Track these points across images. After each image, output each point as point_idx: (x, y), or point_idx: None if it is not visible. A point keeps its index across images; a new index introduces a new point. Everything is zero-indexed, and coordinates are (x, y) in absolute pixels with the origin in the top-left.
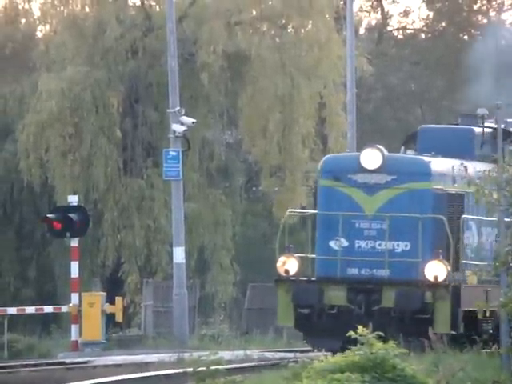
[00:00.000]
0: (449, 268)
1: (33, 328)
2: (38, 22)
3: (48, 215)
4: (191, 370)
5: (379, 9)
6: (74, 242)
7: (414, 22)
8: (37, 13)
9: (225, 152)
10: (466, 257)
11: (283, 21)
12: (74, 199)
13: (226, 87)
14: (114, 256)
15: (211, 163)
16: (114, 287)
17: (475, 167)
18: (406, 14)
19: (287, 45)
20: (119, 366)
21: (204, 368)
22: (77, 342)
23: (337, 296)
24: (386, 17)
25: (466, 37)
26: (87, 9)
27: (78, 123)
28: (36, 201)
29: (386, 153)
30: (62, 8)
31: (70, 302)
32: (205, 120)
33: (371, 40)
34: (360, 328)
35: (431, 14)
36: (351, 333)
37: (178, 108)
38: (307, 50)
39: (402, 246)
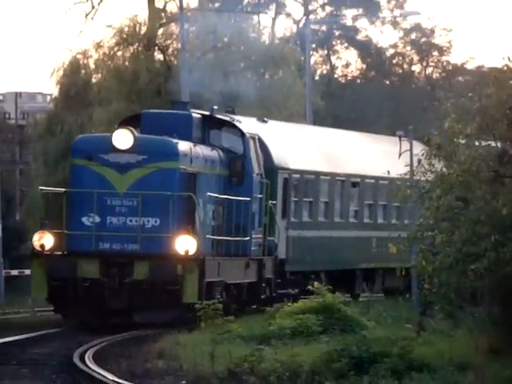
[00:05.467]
0: (198, 242)
1: None
2: (92, 72)
3: None
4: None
5: (328, 62)
6: None
7: (352, 71)
8: (92, 66)
9: None
10: (203, 231)
11: (262, 70)
12: None
13: None
14: None
15: None
16: None
17: (202, 149)
18: (347, 65)
19: (265, 86)
20: None
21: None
22: None
23: (90, 269)
24: (333, 68)
25: (388, 82)
26: (126, 63)
27: None
28: None
29: (136, 134)
30: (109, 62)
31: None
32: None
33: (323, 83)
34: (316, 283)
35: (364, 66)
36: (310, 286)
37: None
38: (279, 90)
39: (152, 222)
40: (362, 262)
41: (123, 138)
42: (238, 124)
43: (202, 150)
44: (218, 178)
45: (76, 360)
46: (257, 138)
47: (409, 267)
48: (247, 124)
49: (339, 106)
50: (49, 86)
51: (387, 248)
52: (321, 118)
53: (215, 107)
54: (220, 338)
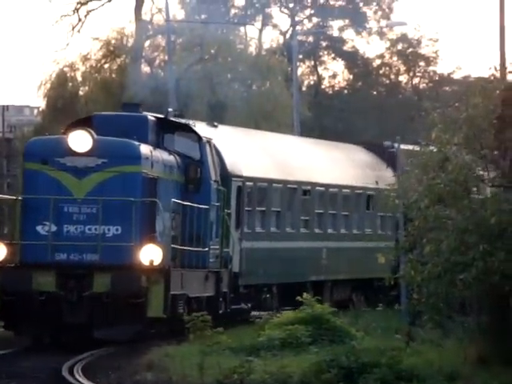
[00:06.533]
0: (164, 252)
1: None
2: (80, 84)
3: None
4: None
5: (315, 73)
6: None
7: (339, 82)
8: (79, 78)
9: None
10: (166, 240)
11: (249, 81)
12: None
13: None
14: None
15: None
16: None
17: (161, 154)
18: (334, 76)
19: (252, 98)
20: None
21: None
22: None
23: (46, 282)
24: (320, 78)
25: (375, 92)
26: (114, 75)
27: None
28: None
29: (95, 136)
30: (96, 75)
31: None
32: None
33: (310, 94)
34: (305, 295)
35: (351, 77)
36: (299, 297)
37: None
38: (266, 101)
39: (113, 230)
40: (312, 274)
41: (81, 140)
42: (194, 128)
43: (161, 155)
44: (175, 185)
45: (65, 373)
46: (212, 143)
47: (397, 277)
48: (197, 128)
49: (326, 117)
50: (36, 99)
51: (338, 259)
52: (308, 129)
53: (170, 109)
54: (209, 349)
